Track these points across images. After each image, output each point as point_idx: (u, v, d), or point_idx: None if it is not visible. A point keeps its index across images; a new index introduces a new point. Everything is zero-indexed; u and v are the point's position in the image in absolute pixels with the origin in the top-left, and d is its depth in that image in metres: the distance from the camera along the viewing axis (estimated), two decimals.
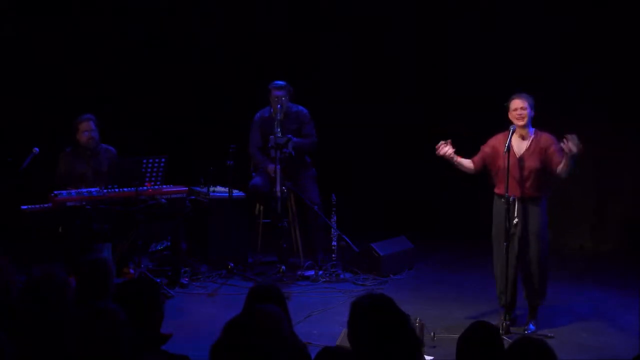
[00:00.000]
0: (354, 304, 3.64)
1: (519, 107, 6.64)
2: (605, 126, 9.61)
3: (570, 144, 6.37)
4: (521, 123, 6.63)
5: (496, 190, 6.81)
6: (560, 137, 6.54)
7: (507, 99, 6.72)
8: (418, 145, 10.17)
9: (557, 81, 9.48)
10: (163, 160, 7.73)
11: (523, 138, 6.72)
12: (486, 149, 6.82)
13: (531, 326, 6.77)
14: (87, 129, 7.95)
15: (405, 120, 10.28)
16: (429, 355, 6.02)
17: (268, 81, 8.59)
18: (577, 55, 9.49)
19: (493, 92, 7.27)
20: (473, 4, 9.92)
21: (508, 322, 6.62)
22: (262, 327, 3.28)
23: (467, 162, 6.84)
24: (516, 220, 6.61)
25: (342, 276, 8.39)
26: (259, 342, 3.24)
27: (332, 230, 8.46)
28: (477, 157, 6.87)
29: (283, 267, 8.30)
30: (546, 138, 6.71)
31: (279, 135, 8.21)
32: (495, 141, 6.79)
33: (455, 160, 6.78)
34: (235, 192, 8.51)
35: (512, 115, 6.68)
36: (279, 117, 8.31)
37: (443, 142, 6.73)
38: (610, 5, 9.35)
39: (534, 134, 6.74)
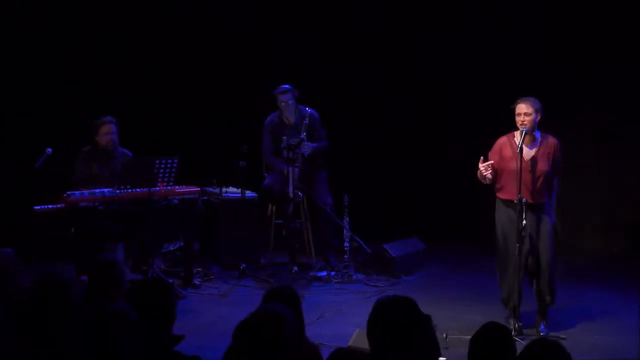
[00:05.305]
0: (377, 303, 3.62)
1: (522, 112, 6.58)
2: (613, 127, 9.59)
3: None
4: (524, 129, 6.56)
5: (501, 196, 6.77)
6: (564, 140, 6.55)
7: (514, 100, 6.69)
8: (432, 146, 10.23)
9: (563, 81, 9.45)
10: (175, 161, 7.72)
11: (530, 141, 6.69)
12: (494, 156, 6.77)
13: (542, 327, 6.76)
14: (107, 132, 7.89)
15: (419, 121, 10.29)
16: (441, 356, 6.00)
17: (279, 82, 8.59)
18: (579, 55, 9.47)
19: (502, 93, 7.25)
20: (476, 5, 9.93)
21: (520, 324, 6.60)
22: (265, 328, 3.27)
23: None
24: (524, 222, 6.57)
25: (354, 277, 8.39)
26: (263, 342, 3.23)
27: (345, 231, 8.45)
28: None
29: (295, 268, 8.30)
30: (553, 142, 6.71)
31: (304, 137, 8.24)
32: (501, 145, 6.77)
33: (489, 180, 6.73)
34: (248, 193, 8.52)
35: (516, 120, 6.63)
36: (304, 121, 8.38)
37: (486, 165, 6.65)
38: (610, 5, 9.33)
39: (541, 136, 6.72)
